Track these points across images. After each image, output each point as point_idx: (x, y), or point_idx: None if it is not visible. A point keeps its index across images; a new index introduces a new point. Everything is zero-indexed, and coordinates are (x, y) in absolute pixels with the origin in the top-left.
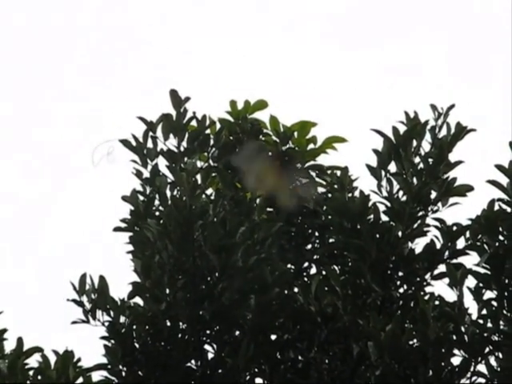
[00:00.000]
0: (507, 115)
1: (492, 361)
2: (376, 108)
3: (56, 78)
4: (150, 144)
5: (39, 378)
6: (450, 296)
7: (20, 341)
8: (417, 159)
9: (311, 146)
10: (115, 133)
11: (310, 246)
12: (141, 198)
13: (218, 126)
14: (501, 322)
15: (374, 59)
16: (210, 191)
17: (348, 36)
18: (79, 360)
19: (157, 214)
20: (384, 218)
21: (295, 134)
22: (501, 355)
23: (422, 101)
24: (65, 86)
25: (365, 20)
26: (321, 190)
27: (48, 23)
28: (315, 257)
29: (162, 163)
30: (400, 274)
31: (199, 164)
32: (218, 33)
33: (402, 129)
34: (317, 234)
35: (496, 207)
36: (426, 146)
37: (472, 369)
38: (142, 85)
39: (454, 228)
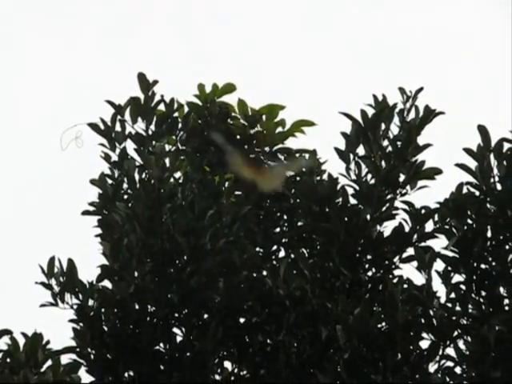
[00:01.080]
0: (476, 98)
1: (460, 344)
2: (344, 90)
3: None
4: (118, 127)
5: (8, 360)
6: (419, 279)
7: None
8: (385, 142)
9: (279, 129)
10: (84, 116)
11: (278, 230)
12: (109, 181)
13: (187, 109)
14: (469, 306)
15: (343, 39)
16: (178, 174)
17: (315, 13)
18: (48, 343)
19: (125, 197)
20: (352, 201)
21: (263, 117)
22: (469, 339)
23: (391, 83)
24: (32, 65)
25: None
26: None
27: None
28: (284, 240)
29: (130, 147)
30: (368, 257)
31: (167, 147)
32: (184, 14)
33: (371, 112)
34: (285, 217)
35: (464, 191)
36: (394, 129)
37: (440, 352)
38: (110, 68)
39: (423, 211)
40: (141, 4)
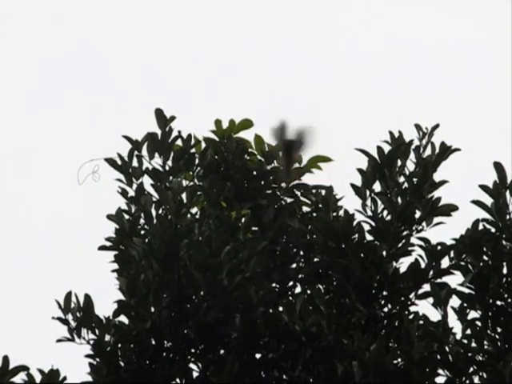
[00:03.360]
0: (492, 135)
1: (476, 380)
2: (361, 126)
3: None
4: (135, 163)
5: None
6: (435, 315)
7: (6, 359)
8: (401, 179)
9: (296, 165)
10: (101, 151)
11: (294, 265)
12: (126, 216)
13: (203, 145)
14: (485, 342)
15: (358, 75)
16: (195, 210)
17: (330, 45)
18: (65, 378)
19: (142, 232)
20: (369, 237)
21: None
22: (485, 375)
23: (408, 120)
24: (53, 102)
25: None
26: (306, 209)
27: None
28: (300, 276)
29: (147, 182)
30: (384, 293)
31: (184, 183)
32: (199, 51)
33: (387, 148)
34: (302, 253)
35: (480, 227)
36: (410, 165)
37: None
38: (128, 104)
39: (439, 247)
40: (159, 42)
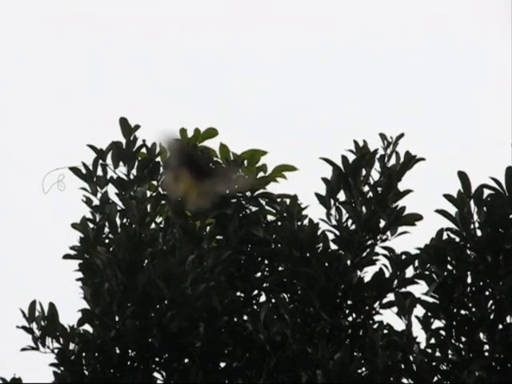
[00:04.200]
0: (456, 145)
1: None
2: (325, 136)
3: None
4: (99, 172)
5: None
6: (399, 325)
7: None
8: (366, 188)
9: (261, 174)
10: (66, 160)
11: (259, 274)
12: (91, 225)
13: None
14: (449, 351)
15: (325, 80)
16: (159, 219)
17: (291, 54)
18: None
19: (106, 241)
20: (333, 246)
21: (245, 162)
22: None
23: (371, 129)
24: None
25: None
26: (271, 218)
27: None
28: (264, 285)
29: (111, 191)
30: (349, 302)
31: (149, 192)
32: (157, 58)
33: (351, 157)
34: (266, 262)
35: (444, 237)
36: (375, 174)
37: None
38: (91, 112)
39: (403, 257)
40: (122, 49)
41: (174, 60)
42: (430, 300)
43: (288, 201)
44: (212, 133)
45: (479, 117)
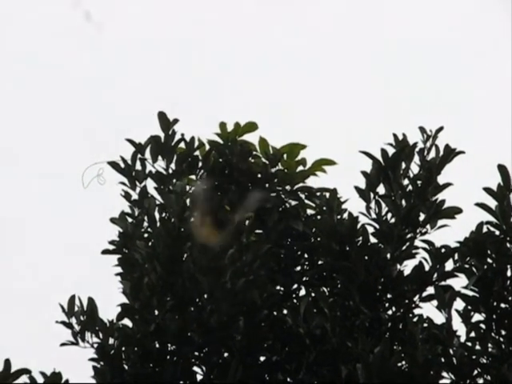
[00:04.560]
0: (496, 138)
1: (480, 383)
2: (365, 129)
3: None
4: (138, 166)
5: None
6: (439, 318)
7: (7, 363)
8: (405, 181)
9: (300, 168)
10: (104, 155)
11: (299, 268)
12: (129, 219)
13: (208, 147)
14: (489, 345)
15: (361, 76)
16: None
17: (332, 50)
18: (67, 382)
19: (146, 236)
20: (373, 240)
21: (285, 156)
22: (489, 378)
23: (412, 122)
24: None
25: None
26: (310, 212)
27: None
28: (304, 279)
29: (150, 185)
30: (389, 296)
31: (188, 186)
32: (201, 53)
33: (391, 151)
34: (306, 255)
35: (484, 230)
36: (414, 168)
37: None
38: (133, 107)
39: (443, 250)
40: (159, 45)
41: (211, 54)
42: (470, 293)
43: (327, 194)
44: (252, 127)
45: None
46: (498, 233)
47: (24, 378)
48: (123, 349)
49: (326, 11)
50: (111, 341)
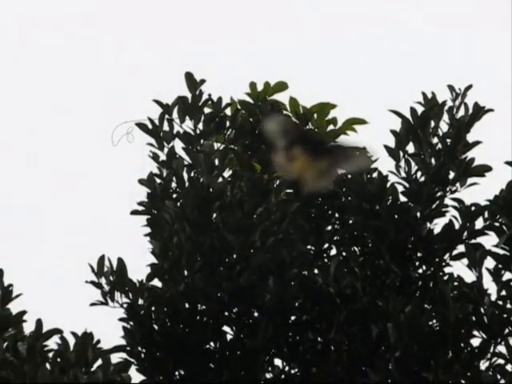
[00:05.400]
0: None
1: None
2: (394, 87)
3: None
4: (166, 127)
5: (58, 359)
6: (469, 277)
7: (39, 322)
8: (435, 140)
9: (331, 127)
10: (132, 115)
11: (329, 228)
12: (158, 180)
13: (238, 106)
14: None
15: (390, 36)
16: (227, 173)
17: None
18: (98, 342)
19: (174, 196)
20: (402, 198)
21: (315, 115)
22: None
23: (440, 79)
24: (81, 71)
25: None
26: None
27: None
28: (335, 238)
29: (178, 146)
30: (419, 254)
31: (216, 146)
32: (230, 16)
33: (420, 109)
34: (336, 215)
35: None
36: (443, 126)
37: (492, 350)
38: (159, 67)
39: (473, 208)
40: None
41: (240, 14)
42: (501, 252)
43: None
44: (282, 86)
45: None
46: None
47: (55, 338)
48: (153, 309)
49: None
50: (141, 301)
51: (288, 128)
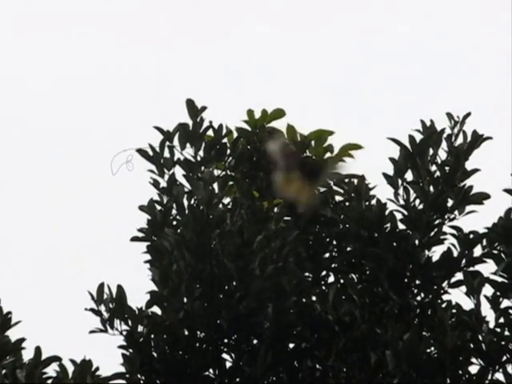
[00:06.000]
0: None
1: (510, 369)
2: (392, 115)
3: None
4: (166, 154)
5: None
6: (468, 304)
7: (38, 350)
8: (433, 167)
9: (328, 154)
10: (133, 142)
11: (327, 255)
12: (158, 207)
13: (236, 135)
14: None
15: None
16: (227, 200)
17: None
18: (97, 369)
19: (174, 223)
20: (401, 226)
21: (312, 142)
22: None
23: (438, 109)
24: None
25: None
26: (338, 198)
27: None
28: (333, 265)
29: (179, 173)
30: (417, 282)
31: (216, 173)
32: (226, 44)
33: (418, 137)
34: (334, 242)
35: None
36: (442, 154)
37: (490, 377)
38: (158, 95)
39: (471, 236)
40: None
41: (239, 42)
42: (499, 279)
43: (356, 181)
44: (279, 113)
45: None
46: None
47: (54, 366)
48: (152, 336)
49: None
50: (140, 328)
51: (287, 153)
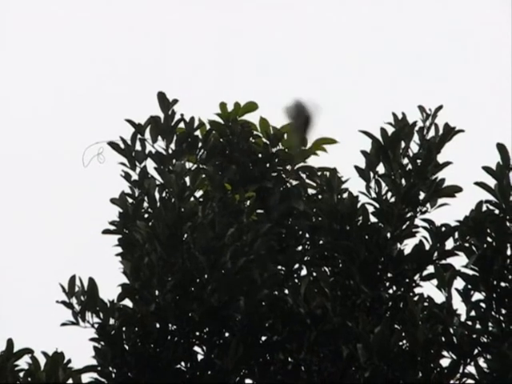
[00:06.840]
0: (495, 117)
1: (481, 362)
2: (365, 108)
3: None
4: (138, 146)
5: (29, 379)
6: (439, 297)
7: (10, 342)
8: (405, 160)
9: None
10: (104, 135)
11: (300, 248)
12: (129, 200)
13: (208, 127)
14: (489, 324)
15: (362, 54)
16: (199, 193)
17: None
18: (69, 361)
19: (146, 216)
20: (373, 219)
21: (285, 135)
22: (489, 356)
23: (411, 101)
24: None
25: None
26: (311, 191)
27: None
28: (305, 258)
29: (150, 165)
30: (389, 275)
31: (188, 166)
32: (206, 38)
33: (390, 130)
34: (307, 235)
35: (484, 209)
36: (414, 147)
37: (461, 370)
38: (132, 87)
39: (443, 229)
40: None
41: (216, 37)
42: (470, 272)
43: (328, 174)
44: (252, 106)
45: None
46: (497, 211)
47: (26, 358)
48: (124, 329)
49: None
50: (112, 321)
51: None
